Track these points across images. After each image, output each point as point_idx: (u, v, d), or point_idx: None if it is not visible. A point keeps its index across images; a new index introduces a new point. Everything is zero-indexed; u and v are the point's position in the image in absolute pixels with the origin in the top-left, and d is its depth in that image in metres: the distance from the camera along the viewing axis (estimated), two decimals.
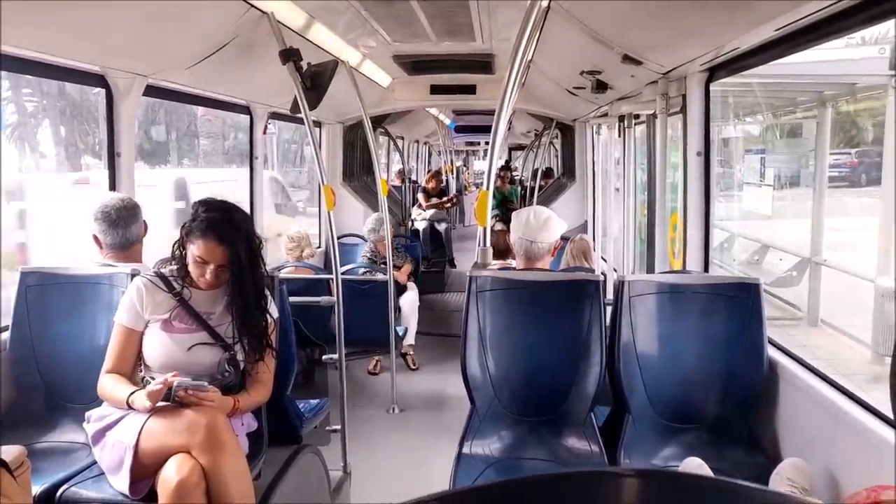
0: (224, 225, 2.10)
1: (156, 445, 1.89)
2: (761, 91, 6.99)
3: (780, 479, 2.04)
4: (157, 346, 2.10)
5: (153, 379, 2.06)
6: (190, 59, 2.93)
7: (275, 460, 2.35)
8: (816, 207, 6.36)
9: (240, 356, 2.14)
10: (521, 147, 16.09)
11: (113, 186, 2.91)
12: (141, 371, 2.13)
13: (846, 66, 5.76)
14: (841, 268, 6.03)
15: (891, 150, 5.60)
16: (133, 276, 2.31)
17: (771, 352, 2.41)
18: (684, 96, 3.10)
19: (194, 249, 2.10)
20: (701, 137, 3.08)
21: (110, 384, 2.07)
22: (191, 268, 2.13)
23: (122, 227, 2.49)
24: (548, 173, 9.73)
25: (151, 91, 3.13)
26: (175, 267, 2.18)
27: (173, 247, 2.18)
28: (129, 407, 1.98)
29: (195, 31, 2.73)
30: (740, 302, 2.41)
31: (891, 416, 1.56)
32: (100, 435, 2.03)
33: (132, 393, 1.99)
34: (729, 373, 2.38)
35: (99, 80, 2.85)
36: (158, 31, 2.57)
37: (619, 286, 2.52)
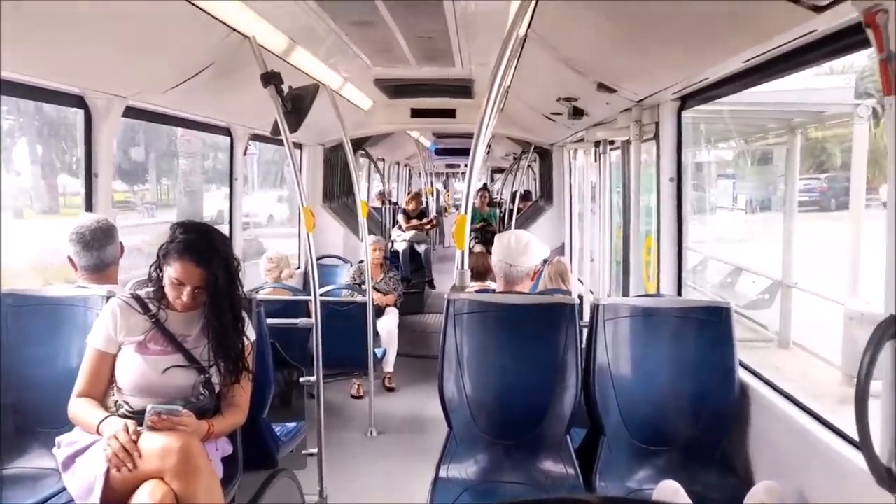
0: (202, 246, 2.10)
1: (127, 471, 1.86)
2: (733, 118, 7.19)
3: (754, 502, 2.07)
4: (131, 368, 2.08)
5: (126, 403, 2.04)
6: (170, 81, 2.94)
7: (250, 485, 2.32)
8: (787, 231, 6.48)
9: (215, 379, 2.13)
10: (501, 170, 16.24)
11: (89, 207, 2.89)
12: (113, 394, 2.10)
13: (815, 94, 5.98)
14: (811, 291, 6.13)
15: (858, 176, 5.77)
16: (108, 298, 2.29)
17: (742, 374, 2.45)
18: (657, 123, 3.18)
19: (171, 271, 2.09)
20: (673, 163, 3.15)
21: (81, 408, 2.04)
22: (167, 289, 2.12)
23: (97, 248, 2.46)
24: (526, 196, 9.82)
25: (131, 112, 3.13)
26: (151, 289, 2.17)
27: (150, 268, 2.17)
28: (99, 433, 1.95)
29: (176, 53, 2.74)
30: (712, 325, 2.45)
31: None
32: (70, 461, 1.99)
33: (103, 419, 1.96)
34: (701, 395, 2.41)
35: (77, 101, 2.84)
36: (138, 54, 2.58)
37: (594, 309, 2.55)
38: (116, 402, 2.08)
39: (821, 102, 6.17)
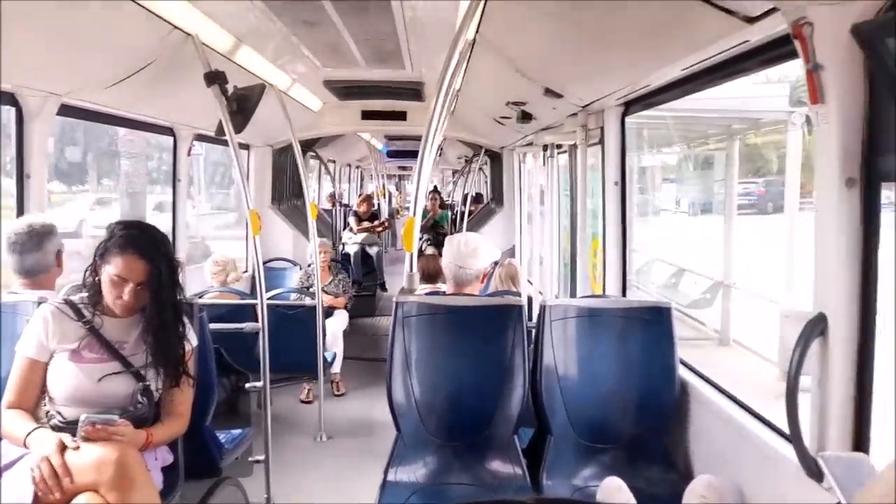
0: (143, 241, 2.05)
1: (54, 498, 1.77)
2: (677, 124, 7.39)
3: (693, 496, 2.13)
4: (65, 377, 1.99)
5: (58, 413, 1.96)
6: (109, 78, 2.84)
7: (192, 494, 2.26)
8: (727, 233, 6.65)
9: (154, 386, 2.06)
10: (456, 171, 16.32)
11: (21, 209, 2.77)
12: (45, 405, 2.01)
13: (753, 102, 6.19)
14: (750, 290, 6.33)
15: (792, 180, 6.02)
16: (39, 304, 2.19)
17: (682, 372, 2.53)
18: (602, 128, 3.25)
19: (111, 269, 2.01)
20: (618, 167, 3.23)
21: (8, 421, 1.94)
22: (106, 290, 2.04)
23: (21, 253, 2.36)
24: (478, 199, 9.90)
25: (67, 110, 3.01)
26: (86, 294, 2.09)
27: (85, 272, 2.09)
28: (26, 446, 1.87)
29: (114, 50, 2.65)
30: (654, 324, 2.52)
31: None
32: (4, 470, 1.89)
33: (30, 432, 1.88)
34: (644, 393, 2.48)
35: (8, 99, 2.72)
36: (74, 50, 2.49)
37: (542, 310, 2.59)
38: (48, 412, 1.99)
39: (758, 110, 6.39)
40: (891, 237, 1.57)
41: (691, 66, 2.27)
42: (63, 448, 1.82)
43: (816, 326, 1.60)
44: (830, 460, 1.56)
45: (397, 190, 20.30)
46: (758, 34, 1.80)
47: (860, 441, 1.60)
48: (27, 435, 1.88)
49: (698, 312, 6.88)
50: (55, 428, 1.96)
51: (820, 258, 1.62)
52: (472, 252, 2.73)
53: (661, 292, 7.64)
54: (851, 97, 1.50)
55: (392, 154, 12.08)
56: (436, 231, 8.96)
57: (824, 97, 1.52)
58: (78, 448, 1.82)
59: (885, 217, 1.55)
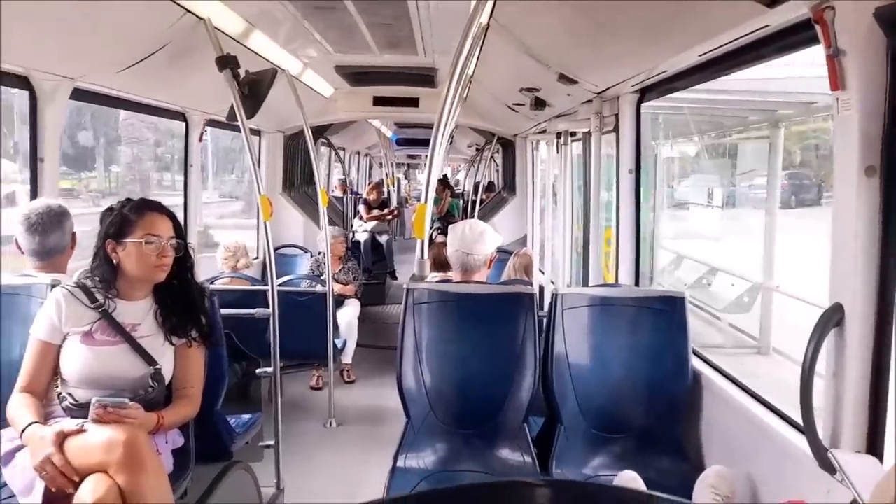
0: (154, 203, 2.13)
1: (71, 464, 1.80)
2: (709, 109, 6.60)
3: (704, 487, 2.12)
4: (77, 359, 2.00)
5: (70, 395, 1.97)
6: (121, 62, 2.84)
7: (203, 478, 2.28)
8: (768, 230, 6.00)
9: (166, 370, 2.07)
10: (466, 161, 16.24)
11: (35, 194, 2.78)
12: (58, 387, 2.02)
13: (795, 83, 5.12)
14: (792, 294, 5.63)
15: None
16: (53, 286, 2.21)
17: (695, 362, 2.51)
18: (617, 115, 3.21)
19: (140, 232, 2.03)
20: (633, 155, 3.19)
21: (16, 407, 1.95)
22: (138, 261, 2.04)
23: (42, 233, 2.37)
24: (490, 187, 9.85)
25: (79, 94, 3.01)
26: (97, 277, 2.09)
27: (95, 254, 2.09)
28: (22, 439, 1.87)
29: (126, 34, 2.65)
30: (667, 314, 2.50)
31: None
32: (10, 455, 1.91)
33: (26, 427, 1.87)
34: (656, 383, 2.46)
35: (22, 82, 2.72)
36: (87, 34, 2.48)
37: (553, 299, 2.57)
38: (60, 394, 2.00)
39: (807, 92, 5.37)
40: None
41: (708, 51, 2.23)
42: (63, 441, 1.82)
43: (833, 317, 1.58)
44: (842, 456, 1.54)
45: (406, 179, 20.25)
46: (778, 19, 1.77)
47: (874, 434, 1.58)
48: (22, 431, 1.87)
49: (735, 318, 6.31)
50: (67, 410, 1.97)
51: (837, 247, 1.59)
52: (478, 237, 2.71)
53: (694, 294, 6.96)
54: (873, 84, 1.47)
55: (401, 142, 12.05)
56: (447, 220, 8.94)
57: (845, 84, 1.49)
58: (84, 431, 1.82)
59: None
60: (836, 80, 1.50)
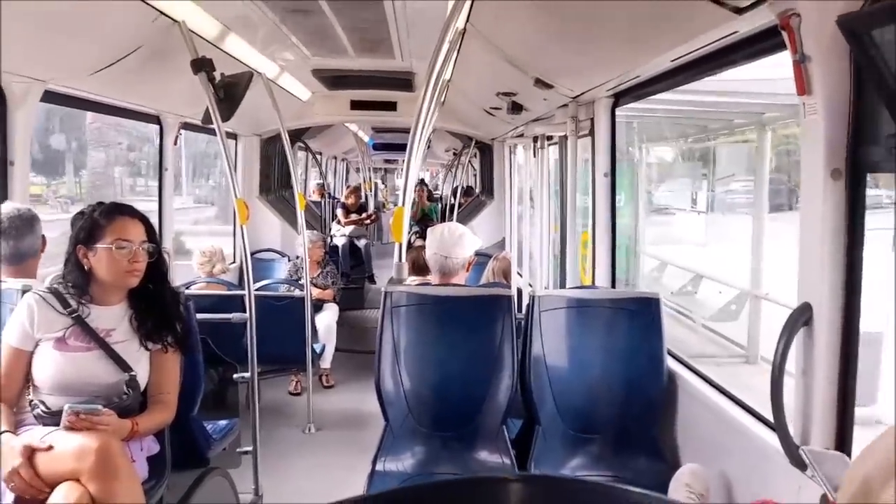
0: (126, 206, 2.10)
1: (42, 473, 1.77)
2: (692, 112, 6.48)
3: (679, 485, 2.15)
4: (49, 365, 1.97)
5: (42, 402, 1.93)
6: (94, 65, 2.80)
7: (179, 485, 2.25)
8: (755, 235, 5.84)
9: (141, 376, 2.04)
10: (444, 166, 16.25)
11: (4, 197, 2.73)
12: (29, 394, 1.99)
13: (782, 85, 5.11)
14: (783, 303, 5.23)
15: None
16: (24, 292, 2.17)
17: (670, 363, 2.54)
18: (592, 120, 3.25)
19: (110, 237, 1.99)
20: (608, 159, 3.23)
21: None
22: (110, 266, 2.00)
23: (14, 238, 2.34)
24: (468, 191, 9.88)
25: (51, 97, 2.97)
26: (70, 283, 2.06)
27: (67, 260, 2.06)
28: None
29: (99, 36, 2.62)
30: (642, 315, 2.54)
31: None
32: None
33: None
34: (631, 383, 2.49)
35: None
36: (59, 35, 2.45)
37: (531, 301, 2.59)
38: (32, 401, 1.96)
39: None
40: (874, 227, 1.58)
41: (681, 56, 2.27)
42: (31, 455, 1.78)
43: (801, 317, 1.62)
44: (812, 454, 1.58)
45: (383, 183, 20.20)
46: (746, 25, 1.81)
47: (843, 430, 1.62)
48: None
49: (722, 326, 6.15)
50: (38, 417, 1.94)
51: (805, 248, 1.63)
52: (457, 240, 2.73)
53: (678, 301, 6.88)
54: (838, 89, 1.51)
55: (378, 147, 12.02)
56: (425, 224, 8.95)
57: (811, 88, 1.53)
58: (50, 449, 1.79)
59: (887, 216, 1.54)
60: (803, 84, 1.54)
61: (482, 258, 4.16)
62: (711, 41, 2.04)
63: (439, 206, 10.13)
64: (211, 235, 6.12)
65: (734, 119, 6.84)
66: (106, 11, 2.41)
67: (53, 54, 2.62)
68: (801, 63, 1.52)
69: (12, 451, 1.78)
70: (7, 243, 2.33)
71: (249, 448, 3.02)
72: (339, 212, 8.72)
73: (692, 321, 6.78)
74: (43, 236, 2.46)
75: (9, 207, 2.40)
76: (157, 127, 4.27)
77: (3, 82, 2.67)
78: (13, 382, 1.97)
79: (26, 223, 2.38)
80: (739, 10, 1.66)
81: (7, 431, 1.85)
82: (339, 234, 8.34)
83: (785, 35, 1.54)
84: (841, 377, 1.61)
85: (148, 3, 2.47)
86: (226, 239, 5.95)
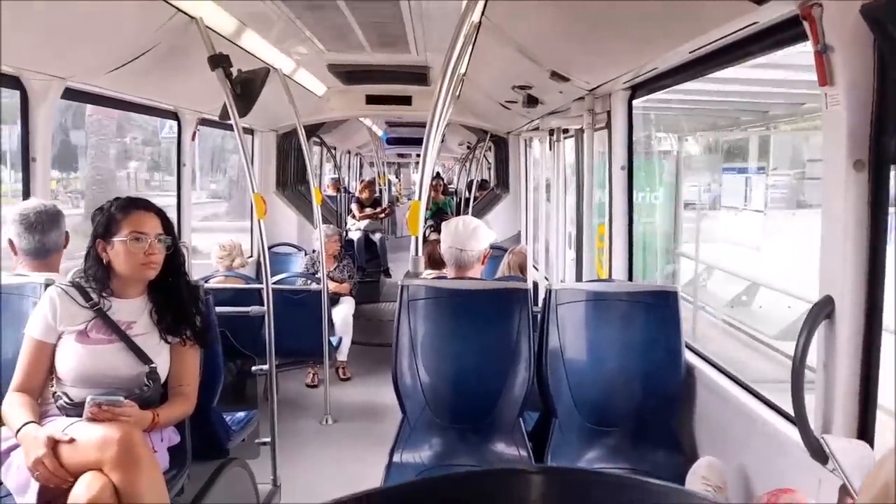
0: (143, 201, 2.14)
1: (66, 463, 1.80)
2: (740, 99, 5.68)
3: (696, 478, 2.14)
4: (72, 358, 2.00)
5: (65, 394, 1.97)
6: (112, 62, 2.84)
7: (199, 475, 2.28)
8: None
9: (161, 368, 2.07)
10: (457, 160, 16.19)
11: (27, 193, 2.78)
12: (52, 386, 2.02)
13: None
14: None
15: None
16: (47, 286, 2.21)
17: (688, 356, 2.53)
18: (609, 112, 3.23)
19: (126, 230, 2.03)
20: (625, 152, 3.21)
21: (11, 406, 1.95)
22: (126, 259, 2.04)
23: (40, 232, 2.38)
24: (483, 185, 9.86)
25: (70, 94, 3.01)
26: (91, 277, 2.09)
27: (87, 254, 2.10)
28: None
29: (118, 34, 2.65)
30: (659, 309, 2.52)
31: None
32: (5, 454, 1.91)
33: (21, 427, 1.87)
34: (649, 376, 2.48)
35: (13, 82, 2.72)
36: (78, 33, 2.48)
37: (547, 294, 2.59)
38: (55, 393, 2.00)
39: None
40: None
41: (699, 48, 2.24)
42: (55, 445, 1.82)
43: (823, 309, 1.60)
44: (834, 443, 1.57)
45: (397, 178, 20.20)
46: (766, 16, 1.78)
47: (865, 424, 1.61)
48: (17, 431, 1.88)
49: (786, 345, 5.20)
50: (62, 409, 1.98)
51: (827, 240, 1.62)
52: (472, 233, 2.73)
53: (733, 315, 6.16)
54: (860, 79, 1.49)
55: (392, 141, 12.03)
56: (440, 217, 8.95)
57: (833, 79, 1.51)
58: (72, 441, 1.82)
59: None
60: (825, 75, 1.52)
61: (498, 252, 4.16)
62: (730, 32, 2.01)
63: (454, 199, 10.13)
64: (223, 232, 6.11)
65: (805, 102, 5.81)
66: (124, 10, 2.44)
67: (73, 52, 2.65)
68: (822, 53, 1.50)
69: (36, 442, 1.82)
70: (33, 238, 2.37)
71: (268, 439, 3.05)
72: (354, 206, 8.76)
73: (749, 337, 5.94)
74: (66, 232, 2.49)
75: (34, 203, 2.45)
76: (160, 121, 4.30)
77: (25, 79, 2.71)
78: (37, 374, 2.01)
79: (52, 218, 2.42)
80: (760, 1, 1.64)
81: (32, 422, 1.89)
82: (355, 228, 8.38)
83: (806, 25, 1.52)
84: (863, 371, 1.59)
85: (166, 1, 2.49)
86: (238, 235, 5.98)
